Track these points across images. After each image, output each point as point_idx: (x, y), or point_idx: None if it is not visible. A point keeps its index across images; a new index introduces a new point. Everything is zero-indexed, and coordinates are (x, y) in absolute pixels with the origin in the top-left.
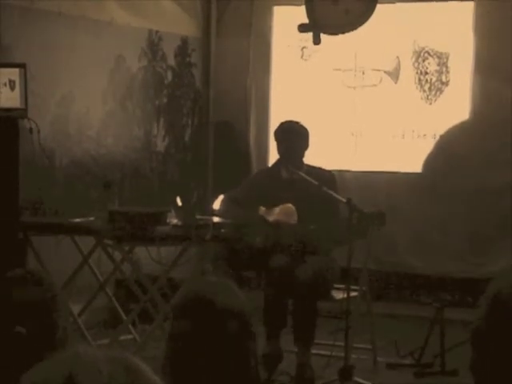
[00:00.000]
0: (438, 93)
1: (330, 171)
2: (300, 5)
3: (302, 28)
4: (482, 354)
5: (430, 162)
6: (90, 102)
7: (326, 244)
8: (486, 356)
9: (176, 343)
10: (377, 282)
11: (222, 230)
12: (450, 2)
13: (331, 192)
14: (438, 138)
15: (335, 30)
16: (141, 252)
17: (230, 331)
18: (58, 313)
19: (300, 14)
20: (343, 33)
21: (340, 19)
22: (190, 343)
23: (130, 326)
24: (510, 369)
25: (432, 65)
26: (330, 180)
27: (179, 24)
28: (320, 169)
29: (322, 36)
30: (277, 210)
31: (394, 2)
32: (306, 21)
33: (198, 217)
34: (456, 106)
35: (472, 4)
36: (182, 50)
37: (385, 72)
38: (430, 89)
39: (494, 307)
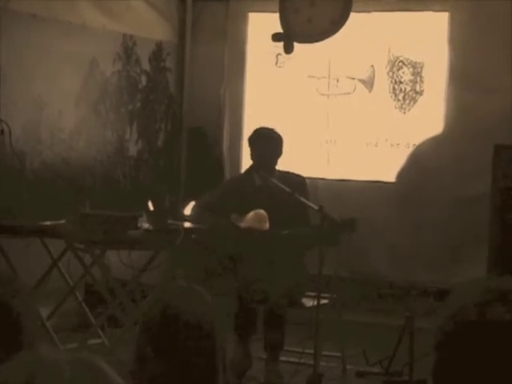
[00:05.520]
0: (412, 102)
1: (300, 175)
2: (275, 12)
3: (275, 38)
4: (444, 360)
5: (403, 174)
6: (62, 105)
7: (297, 251)
8: (447, 363)
9: (144, 351)
10: (348, 290)
11: (193, 236)
12: (425, 12)
13: (303, 199)
14: (411, 147)
15: (301, 39)
16: (112, 256)
17: (197, 341)
18: (26, 316)
19: (275, 22)
20: (312, 42)
21: (303, 28)
22: (158, 351)
23: (99, 330)
24: (471, 378)
25: (406, 74)
26: (301, 185)
27: (154, 28)
28: (291, 173)
29: (297, 43)
30: (249, 216)
31: (369, 11)
32: (281, 29)
33: (170, 222)
34: (430, 115)
35: (447, 15)
36: (157, 54)
37: (359, 80)
38: (404, 98)
39: (458, 316)
